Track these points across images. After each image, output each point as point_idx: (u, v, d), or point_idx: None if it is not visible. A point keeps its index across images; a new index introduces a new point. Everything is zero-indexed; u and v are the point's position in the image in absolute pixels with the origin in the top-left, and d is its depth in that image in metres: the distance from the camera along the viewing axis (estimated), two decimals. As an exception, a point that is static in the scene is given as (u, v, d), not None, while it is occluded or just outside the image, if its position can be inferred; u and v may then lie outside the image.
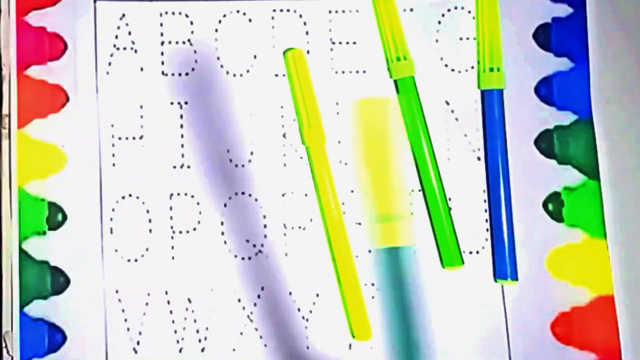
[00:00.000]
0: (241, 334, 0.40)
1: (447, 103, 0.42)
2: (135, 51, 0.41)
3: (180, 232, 0.41)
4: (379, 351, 0.40)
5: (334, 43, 0.42)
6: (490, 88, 0.41)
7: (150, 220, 0.41)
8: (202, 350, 0.40)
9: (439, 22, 0.42)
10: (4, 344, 0.39)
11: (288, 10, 0.42)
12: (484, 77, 0.41)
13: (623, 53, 0.43)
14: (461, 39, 0.42)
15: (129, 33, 0.42)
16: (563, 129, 0.42)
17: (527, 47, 0.42)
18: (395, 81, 0.41)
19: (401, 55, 0.41)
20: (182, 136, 0.41)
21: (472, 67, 0.42)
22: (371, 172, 0.31)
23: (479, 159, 0.42)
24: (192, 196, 0.41)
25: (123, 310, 0.40)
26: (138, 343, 0.40)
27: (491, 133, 0.41)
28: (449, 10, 0.42)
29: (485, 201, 0.41)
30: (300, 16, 0.42)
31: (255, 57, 0.42)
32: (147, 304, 0.40)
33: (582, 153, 0.42)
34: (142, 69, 0.41)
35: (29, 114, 0.40)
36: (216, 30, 0.42)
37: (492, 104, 0.41)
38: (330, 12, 0.42)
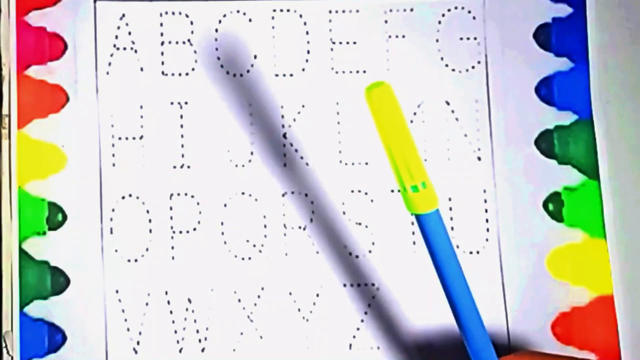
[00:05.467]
0: (241, 334, 0.40)
1: (447, 103, 0.42)
2: (135, 51, 0.41)
3: (180, 232, 0.41)
4: (380, 352, 0.40)
5: (334, 43, 0.42)
6: (422, 212, 0.29)
7: (150, 220, 0.41)
8: (202, 350, 0.40)
9: (439, 22, 0.42)
10: (4, 344, 0.39)
11: (288, 10, 0.42)
12: (409, 199, 0.29)
13: (623, 53, 0.43)
14: (461, 39, 0.42)
15: (129, 33, 0.42)
16: (563, 129, 0.42)
17: (527, 47, 0.42)
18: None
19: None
20: (182, 136, 0.41)
21: (473, 67, 0.42)
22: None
23: (479, 159, 0.42)
24: (192, 196, 0.41)
25: (123, 310, 0.40)
26: (138, 343, 0.40)
27: (441, 257, 0.31)
28: (449, 10, 0.43)
29: (485, 201, 0.41)
30: (300, 16, 0.42)
31: (255, 57, 0.42)
32: (147, 304, 0.40)
33: (582, 153, 0.42)
34: (142, 69, 0.41)
35: (29, 114, 0.40)
36: (216, 30, 0.42)
37: (429, 230, 0.30)
38: (330, 12, 0.42)
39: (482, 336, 0.32)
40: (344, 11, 0.42)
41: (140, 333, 0.40)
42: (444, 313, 0.40)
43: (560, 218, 0.41)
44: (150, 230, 0.41)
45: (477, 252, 0.41)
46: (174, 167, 0.41)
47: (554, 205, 0.41)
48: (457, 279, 0.30)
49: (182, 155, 0.41)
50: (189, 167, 0.41)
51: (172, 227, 0.41)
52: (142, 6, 0.42)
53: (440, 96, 0.42)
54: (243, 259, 0.41)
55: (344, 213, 0.41)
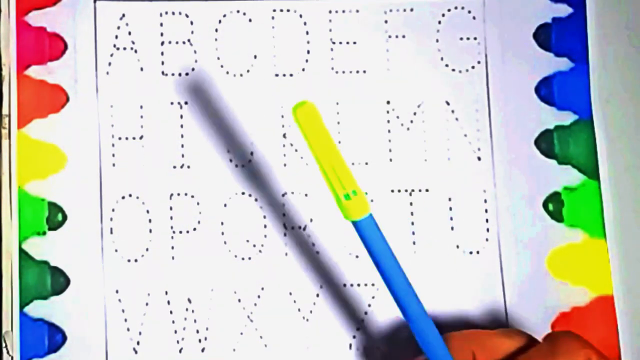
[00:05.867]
0: (241, 334, 0.40)
1: (447, 103, 0.42)
2: (135, 51, 0.41)
3: (180, 232, 0.41)
4: (379, 352, 0.40)
5: (334, 43, 0.42)
6: (356, 219, 0.31)
7: (150, 220, 0.41)
8: (202, 350, 0.40)
9: (439, 22, 0.42)
10: (4, 344, 0.39)
11: (288, 10, 0.42)
12: (343, 207, 0.31)
13: (623, 53, 0.43)
14: (461, 39, 0.42)
15: (129, 33, 0.42)
16: (563, 129, 0.42)
17: (527, 47, 0.42)
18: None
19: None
20: (182, 136, 0.41)
21: (473, 67, 0.42)
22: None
23: (479, 159, 0.42)
24: (192, 196, 0.41)
25: (123, 310, 0.40)
26: (138, 343, 0.40)
27: (380, 257, 0.33)
28: (449, 10, 0.43)
29: (485, 201, 0.41)
30: (300, 16, 0.42)
31: (255, 57, 0.42)
32: (147, 304, 0.40)
33: (582, 153, 0.42)
34: (142, 69, 0.41)
35: (29, 114, 0.40)
36: (216, 30, 0.42)
37: (365, 234, 0.32)
38: (330, 12, 0.42)
39: (427, 323, 0.34)
40: (344, 11, 0.42)
41: (140, 333, 0.40)
42: (443, 313, 0.41)
43: (560, 218, 0.41)
44: (150, 230, 0.41)
45: (477, 252, 0.41)
46: (174, 167, 0.41)
47: (554, 205, 0.41)
48: (396, 276, 0.33)
49: (182, 155, 0.41)
50: (189, 167, 0.41)
51: (172, 227, 0.41)
52: (142, 6, 0.42)
53: (440, 96, 0.42)
54: (243, 259, 0.41)
55: (344, 213, 0.41)
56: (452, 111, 0.42)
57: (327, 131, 0.30)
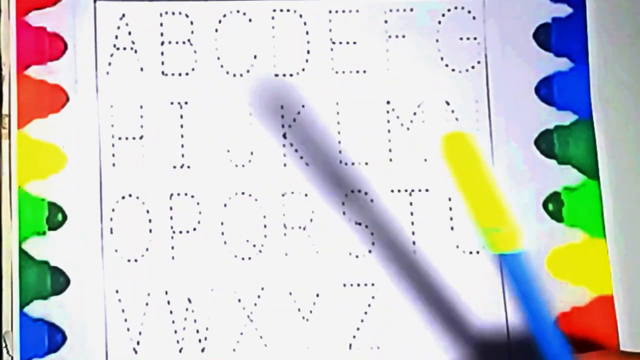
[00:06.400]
0: (241, 334, 0.40)
1: (447, 103, 0.42)
2: (135, 51, 0.41)
3: (180, 232, 0.41)
4: (380, 352, 0.40)
5: (334, 43, 0.42)
6: (504, 252, 0.30)
7: (150, 220, 0.41)
8: (202, 350, 0.40)
9: (439, 22, 0.42)
10: (4, 344, 0.39)
11: (288, 10, 0.42)
12: (489, 238, 0.29)
13: (623, 53, 0.43)
14: (461, 39, 0.42)
15: (129, 33, 0.42)
16: (563, 129, 0.42)
17: (527, 47, 0.42)
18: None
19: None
20: (182, 136, 0.41)
21: (473, 67, 0.42)
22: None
23: (479, 159, 0.42)
24: (192, 196, 0.41)
25: (123, 310, 0.40)
26: (138, 343, 0.40)
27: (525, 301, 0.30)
28: (449, 10, 0.43)
29: (485, 201, 0.41)
30: (300, 16, 0.42)
31: (255, 57, 0.42)
32: (147, 304, 0.40)
33: (582, 153, 0.42)
34: (142, 69, 0.41)
35: (29, 114, 0.40)
36: (216, 30, 0.42)
37: (509, 270, 0.30)
38: (330, 12, 0.42)
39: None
40: (344, 11, 0.42)
41: (140, 333, 0.40)
42: (443, 313, 0.40)
43: (560, 218, 0.41)
44: (150, 230, 0.41)
45: (477, 252, 0.41)
46: (174, 167, 0.41)
47: (554, 205, 0.41)
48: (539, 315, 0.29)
49: (182, 155, 0.41)
50: (189, 167, 0.41)
51: (172, 227, 0.41)
52: (142, 6, 0.42)
53: (440, 96, 0.42)
54: (243, 259, 0.41)
55: (344, 213, 0.41)
56: (452, 111, 0.42)
57: (482, 164, 0.26)
